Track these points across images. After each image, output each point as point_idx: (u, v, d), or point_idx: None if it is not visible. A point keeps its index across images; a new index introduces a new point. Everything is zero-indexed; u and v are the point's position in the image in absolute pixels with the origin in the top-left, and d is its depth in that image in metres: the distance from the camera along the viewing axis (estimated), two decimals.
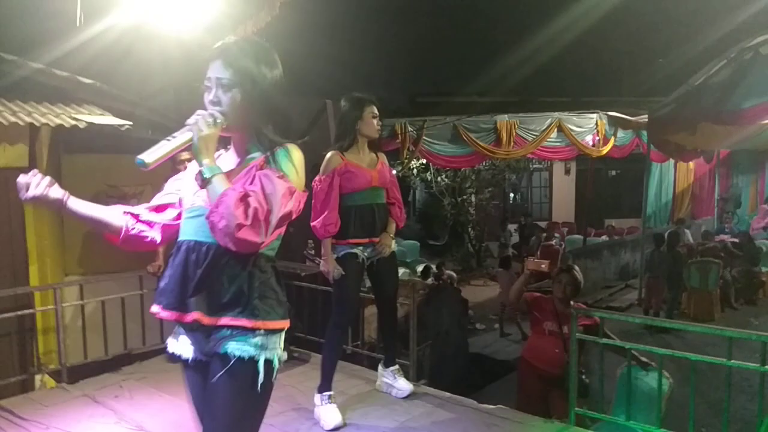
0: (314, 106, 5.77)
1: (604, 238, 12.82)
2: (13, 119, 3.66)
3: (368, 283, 3.66)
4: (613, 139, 9.86)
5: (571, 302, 3.79)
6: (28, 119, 3.72)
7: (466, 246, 13.34)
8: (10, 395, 3.55)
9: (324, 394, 3.25)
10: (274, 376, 1.69)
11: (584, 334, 3.40)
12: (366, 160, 3.15)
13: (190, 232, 1.63)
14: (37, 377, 3.95)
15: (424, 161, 10.96)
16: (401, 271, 10.06)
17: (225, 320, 1.58)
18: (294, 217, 1.57)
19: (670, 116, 7.49)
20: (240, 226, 1.42)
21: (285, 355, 1.73)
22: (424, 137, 8.29)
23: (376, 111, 3.15)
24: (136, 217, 1.75)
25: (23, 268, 4.21)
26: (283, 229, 1.61)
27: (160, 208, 1.79)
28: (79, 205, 1.64)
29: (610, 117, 9.67)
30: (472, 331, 8.90)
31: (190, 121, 1.55)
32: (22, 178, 1.55)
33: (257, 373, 1.61)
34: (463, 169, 11.70)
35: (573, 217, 14.89)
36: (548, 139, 9.08)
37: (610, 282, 10.73)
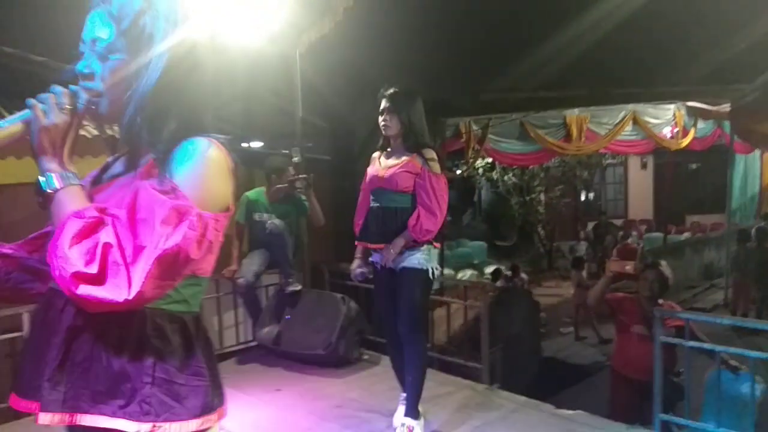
0: (377, 110, 5.77)
1: (686, 235, 12.19)
2: (95, 132, 3.85)
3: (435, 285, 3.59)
4: (693, 130, 9.34)
5: (660, 301, 3.55)
6: (110, 132, 3.91)
7: (536, 246, 13.00)
8: None
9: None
10: None
11: (676, 337, 3.20)
12: (389, 159, 2.93)
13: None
14: None
15: (490, 160, 10.77)
16: (468, 273, 9.95)
17: (90, 419, 1.01)
18: (196, 255, 0.97)
19: (755, 104, 6.99)
20: (77, 277, 0.90)
21: None
22: (489, 135, 8.14)
23: (382, 106, 2.91)
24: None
25: None
26: (207, 267, 1.09)
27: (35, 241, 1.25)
28: None
29: (689, 107, 9.16)
30: (545, 334, 8.64)
31: (30, 101, 1.06)
32: None
33: None
34: (531, 166, 11.42)
35: (651, 214, 14.23)
36: (623, 133, 8.69)
37: (694, 282, 10.16)
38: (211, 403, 1.08)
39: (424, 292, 2.94)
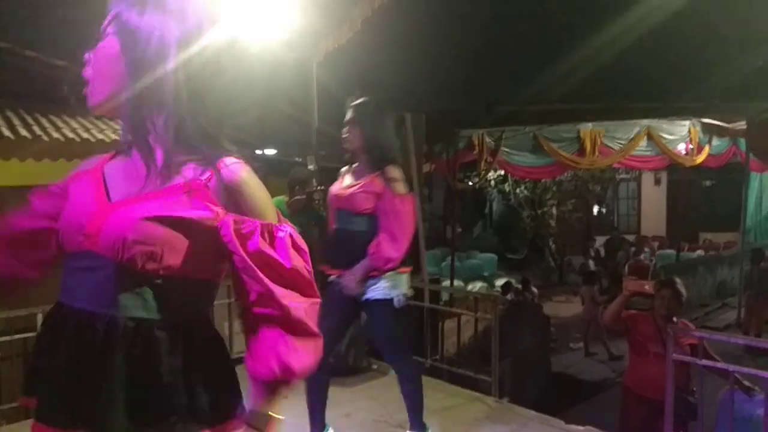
0: (394, 119, 5.80)
1: (699, 252, 12.07)
2: (114, 137, 3.92)
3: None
4: (708, 147, 9.28)
5: (675, 319, 3.52)
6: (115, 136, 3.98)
7: (547, 260, 12.94)
8: None
9: None
10: None
11: (690, 355, 3.17)
12: (350, 177, 2.69)
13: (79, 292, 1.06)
14: None
15: (502, 172, 10.76)
16: (478, 285, 9.92)
17: None
18: (296, 258, 1.10)
19: None
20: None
21: None
22: (502, 148, 8.14)
23: (346, 117, 2.65)
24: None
25: None
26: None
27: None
28: None
29: (704, 124, 9.11)
30: (555, 349, 8.58)
31: None
32: None
33: None
34: (543, 180, 11.40)
35: (664, 231, 14.12)
36: (637, 148, 8.65)
37: (706, 300, 10.05)
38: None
39: (396, 320, 2.73)
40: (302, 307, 1.06)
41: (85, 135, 3.77)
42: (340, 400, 3.67)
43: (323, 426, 2.92)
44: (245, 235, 1.03)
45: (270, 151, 7.85)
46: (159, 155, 1.07)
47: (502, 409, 3.55)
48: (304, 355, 1.07)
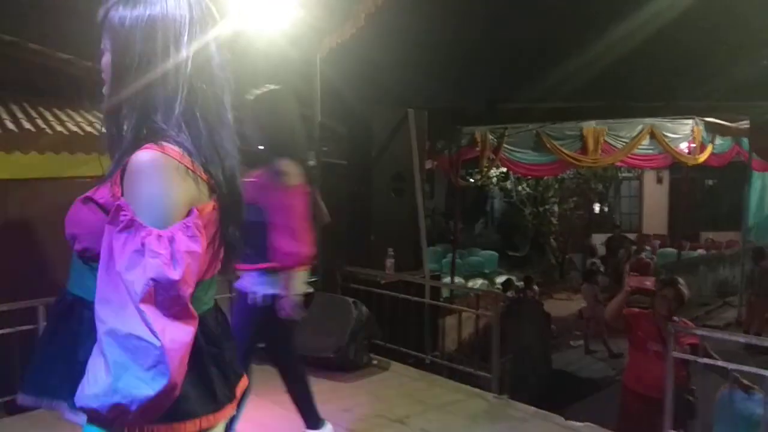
0: (395, 116, 5.80)
1: (700, 251, 12.06)
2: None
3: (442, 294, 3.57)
4: (710, 146, 9.26)
5: (675, 318, 3.53)
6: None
7: (548, 258, 12.95)
8: None
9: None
10: None
11: (690, 354, 3.18)
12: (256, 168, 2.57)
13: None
14: None
15: (504, 169, 10.76)
16: (479, 282, 9.94)
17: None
18: (176, 274, 0.94)
19: None
20: None
21: None
22: (505, 145, 8.14)
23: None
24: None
25: None
26: (205, 267, 1.08)
27: None
28: None
29: (707, 123, 9.10)
30: (555, 346, 8.59)
31: None
32: None
33: None
34: (545, 177, 11.39)
35: (666, 229, 14.11)
36: (639, 147, 8.65)
37: (707, 299, 10.05)
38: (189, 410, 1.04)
39: (245, 318, 2.59)
40: (139, 322, 0.90)
41: (89, 128, 3.77)
42: (340, 395, 3.69)
43: (317, 420, 2.88)
44: (116, 222, 0.95)
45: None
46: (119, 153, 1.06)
47: (502, 405, 3.56)
48: (126, 388, 0.90)
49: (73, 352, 1.07)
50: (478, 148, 8.05)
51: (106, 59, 1.07)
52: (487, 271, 10.71)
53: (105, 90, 1.09)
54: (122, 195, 0.98)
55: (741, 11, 5.27)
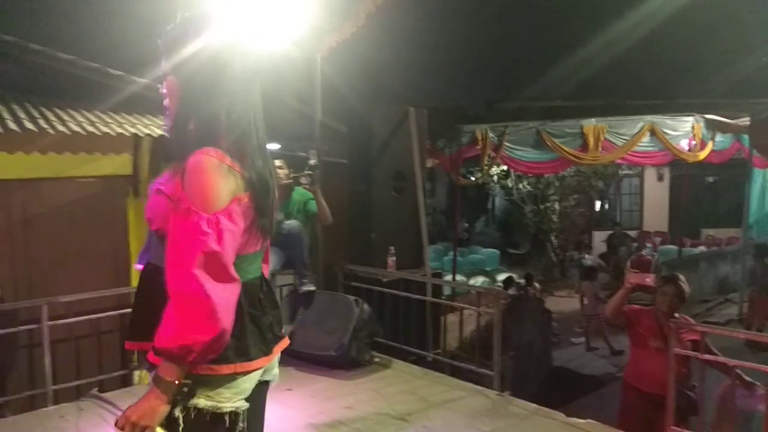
0: (396, 115, 5.81)
1: (701, 248, 12.06)
2: (119, 130, 3.93)
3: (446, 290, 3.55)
4: (711, 143, 9.26)
5: (675, 315, 3.53)
6: (132, 130, 3.99)
7: (549, 255, 12.95)
8: (111, 389, 3.79)
9: None
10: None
11: (692, 350, 3.19)
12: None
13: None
14: (136, 373, 4.19)
15: (505, 168, 10.76)
16: (480, 279, 9.95)
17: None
18: (218, 247, 1.24)
19: None
20: None
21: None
22: (505, 143, 8.14)
23: None
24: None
25: (125, 269, 4.49)
26: (245, 247, 1.36)
27: None
28: None
29: (707, 120, 9.09)
30: (556, 343, 8.60)
31: None
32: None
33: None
34: (546, 175, 11.39)
35: (666, 227, 14.11)
36: (640, 144, 8.64)
37: (708, 296, 10.05)
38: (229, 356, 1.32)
39: None
40: (196, 284, 1.20)
41: (90, 128, 3.78)
42: (343, 392, 3.71)
43: None
44: (178, 209, 1.27)
45: (274, 146, 7.87)
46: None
47: (504, 402, 3.58)
48: (181, 329, 1.21)
49: (152, 306, 1.34)
50: (478, 147, 8.05)
51: (172, 83, 1.38)
52: (488, 269, 10.72)
53: (169, 106, 1.40)
54: (182, 189, 1.29)
55: (740, 8, 5.27)
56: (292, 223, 4.30)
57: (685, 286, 3.66)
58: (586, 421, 3.28)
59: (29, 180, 3.90)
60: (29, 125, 3.58)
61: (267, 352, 1.41)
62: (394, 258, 5.28)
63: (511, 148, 8.13)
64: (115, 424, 1.26)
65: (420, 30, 5.29)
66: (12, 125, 3.51)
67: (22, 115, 3.70)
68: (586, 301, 8.62)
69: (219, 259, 1.22)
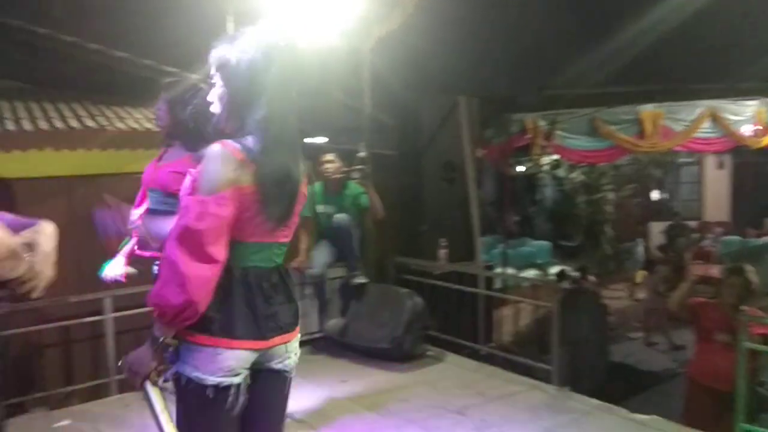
0: (445, 104, 5.72)
1: (766, 239, 11.47)
2: (148, 126, 3.99)
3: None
4: None
5: (743, 307, 3.35)
6: (148, 126, 4.05)
7: (603, 247, 12.56)
8: None
9: None
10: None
11: (762, 344, 3.02)
12: (166, 156, 2.64)
13: None
14: None
15: (556, 157, 10.48)
16: (531, 273, 9.73)
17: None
18: (197, 225, 1.38)
19: None
20: None
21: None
22: (557, 131, 7.92)
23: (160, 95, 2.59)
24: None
25: None
26: (237, 233, 1.46)
27: None
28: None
29: None
30: (613, 338, 8.34)
31: None
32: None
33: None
34: (600, 164, 11.03)
35: (728, 216, 13.47)
36: (700, 130, 8.25)
37: None
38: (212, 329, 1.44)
39: None
40: (175, 253, 1.35)
41: (148, 125, 3.87)
42: (397, 385, 3.68)
43: None
44: (186, 188, 1.45)
45: (321, 139, 7.89)
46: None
47: (563, 397, 3.48)
48: (165, 293, 1.35)
49: None
50: (528, 136, 7.86)
51: (220, 90, 1.52)
52: (539, 261, 10.47)
53: (217, 110, 1.54)
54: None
55: None
56: (341, 217, 4.31)
57: (753, 277, 3.48)
58: (651, 417, 3.15)
59: (90, 176, 4.01)
60: (89, 123, 3.69)
61: (259, 337, 1.49)
62: (446, 250, 5.21)
63: (563, 136, 7.90)
64: (119, 366, 1.46)
65: (469, 16, 5.18)
66: (73, 123, 3.63)
67: (81, 113, 3.82)
68: (643, 294, 8.33)
69: (197, 237, 1.34)
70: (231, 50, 1.50)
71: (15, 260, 1.39)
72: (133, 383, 1.47)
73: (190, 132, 2.51)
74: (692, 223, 12.78)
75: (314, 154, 4.52)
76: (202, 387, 1.42)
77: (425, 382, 3.74)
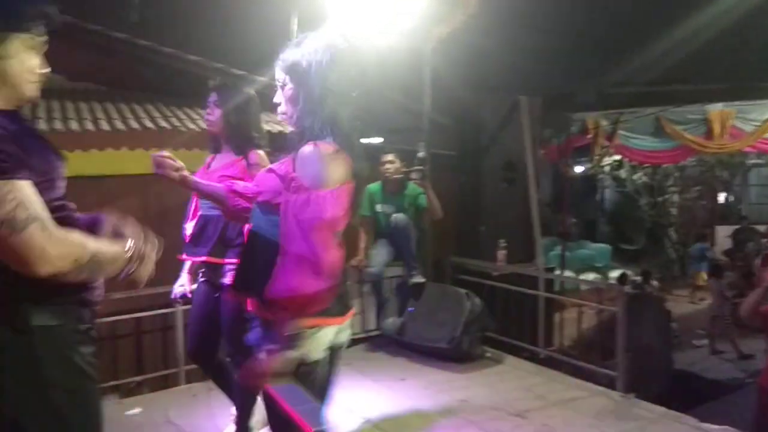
0: (505, 104, 5.66)
1: None
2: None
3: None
4: None
5: None
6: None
7: (667, 251, 12.10)
8: None
9: None
10: None
11: None
12: (215, 161, 2.67)
13: None
14: None
15: (617, 158, 10.19)
16: (590, 276, 9.48)
17: None
18: (330, 215, 1.49)
19: None
20: None
21: None
22: (620, 131, 7.71)
23: (208, 99, 2.62)
24: (234, 192, 1.88)
25: None
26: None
27: None
28: (196, 185, 2.01)
29: None
30: (677, 345, 8.04)
31: None
32: (157, 156, 1.90)
33: None
34: (664, 165, 10.65)
35: None
36: None
37: None
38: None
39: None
40: (309, 245, 1.45)
41: None
42: (456, 385, 3.67)
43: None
44: (290, 188, 1.53)
45: (377, 139, 7.93)
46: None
47: (629, 404, 3.38)
48: (302, 284, 1.44)
49: (254, 262, 1.61)
50: (589, 136, 7.68)
51: (291, 91, 1.60)
52: (599, 265, 10.21)
53: (288, 111, 1.61)
54: (294, 171, 1.53)
55: None
56: (399, 216, 4.33)
57: None
58: (722, 428, 3.03)
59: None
60: (162, 123, 3.85)
61: (342, 314, 1.63)
62: (505, 251, 5.15)
63: (626, 136, 7.68)
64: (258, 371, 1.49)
65: (529, 13, 5.11)
66: (147, 123, 3.79)
67: (155, 114, 3.99)
68: (709, 300, 7.99)
69: (326, 229, 1.45)
70: (301, 53, 1.58)
71: (133, 262, 1.43)
72: (261, 383, 1.52)
73: (241, 137, 2.56)
74: (762, 228, 12.16)
75: (374, 154, 4.55)
76: (305, 365, 1.52)
77: (484, 383, 3.71)
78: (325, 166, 1.50)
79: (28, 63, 1.32)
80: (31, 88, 1.34)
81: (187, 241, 2.65)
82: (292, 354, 1.48)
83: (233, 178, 2.45)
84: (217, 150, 2.68)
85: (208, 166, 2.66)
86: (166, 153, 1.93)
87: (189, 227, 2.67)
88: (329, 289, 1.45)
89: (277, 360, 1.46)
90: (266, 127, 4.23)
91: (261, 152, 2.57)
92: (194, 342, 2.72)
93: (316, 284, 1.43)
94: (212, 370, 2.78)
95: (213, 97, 2.60)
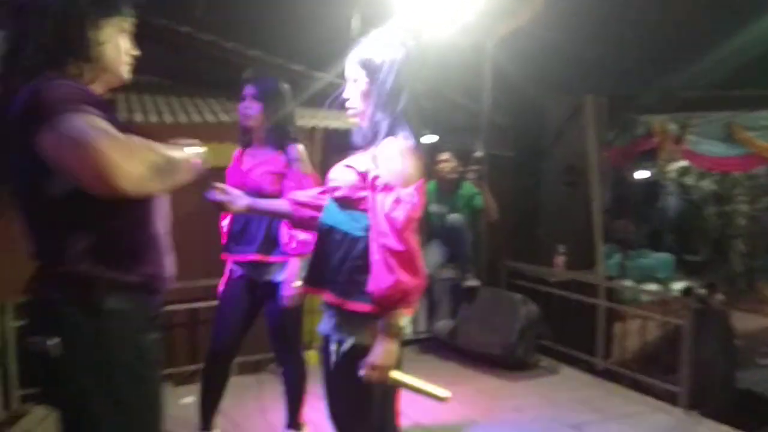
0: (569, 104, 5.46)
1: None
2: (302, 123, 4.12)
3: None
4: None
5: None
6: (312, 123, 4.18)
7: (733, 263, 11.48)
8: None
9: None
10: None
11: None
12: (250, 157, 2.62)
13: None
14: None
15: (684, 163, 9.73)
16: (652, 287, 9.09)
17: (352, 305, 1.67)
18: (417, 214, 1.59)
19: None
20: None
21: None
22: (688, 136, 7.34)
23: (244, 92, 2.56)
24: (298, 203, 1.88)
25: None
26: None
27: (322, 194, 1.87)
28: (258, 205, 1.95)
29: None
30: (741, 364, 7.60)
31: None
32: (212, 196, 1.84)
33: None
34: (733, 173, 10.11)
35: None
36: None
37: None
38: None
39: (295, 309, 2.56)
40: (406, 242, 1.56)
41: None
42: (509, 393, 3.57)
43: (298, 424, 2.74)
44: (375, 186, 1.60)
45: (432, 137, 7.84)
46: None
47: (692, 422, 3.21)
48: (406, 280, 1.55)
49: (327, 260, 1.65)
50: (655, 139, 7.35)
51: (364, 87, 1.66)
52: (660, 276, 9.76)
53: (359, 106, 1.68)
54: (376, 167, 1.58)
55: None
56: (455, 217, 4.25)
57: None
58: None
59: (221, 168, 4.23)
60: (224, 117, 3.91)
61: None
62: (564, 257, 4.98)
63: (695, 141, 7.31)
64: (366, 380, 1.57)
65: (596, 9, 4.92)
66: (209, 117, 3.86)
67: (216, 108, 4.06)
68: None
69: (414, 223, 1.53)
70: (375, 50, 1.65)
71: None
72: (382, 379, 1.60)
73: (281, 131, 2.51)
74: None
75: (430, 152, 4.48)
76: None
77: (538, 393, 3.59)
78: (408, 163, 1.57)
79: (122, 46, 1.34)
80: (125, 70, 1.37)
81: (227, 239, 2.62)
82: (395, 344, 1.57)
83: (275, 174, 2.48)
84: (247, 144, 2.62)
85: (240, 161, 2.61)
86: (219, 186, 1.87)
87: (225, 224, 2.65)
88: (425, 281, 1.55)
89: (388, 352, 1.54)
90: (326, 123, 4.25)
91: (300, 146, 2.54)
92: (223, 339, 2.65)
93: (415, 277, 1.51)
94: (223, 370, 2.71)
95: (250, 89, 2.51)
